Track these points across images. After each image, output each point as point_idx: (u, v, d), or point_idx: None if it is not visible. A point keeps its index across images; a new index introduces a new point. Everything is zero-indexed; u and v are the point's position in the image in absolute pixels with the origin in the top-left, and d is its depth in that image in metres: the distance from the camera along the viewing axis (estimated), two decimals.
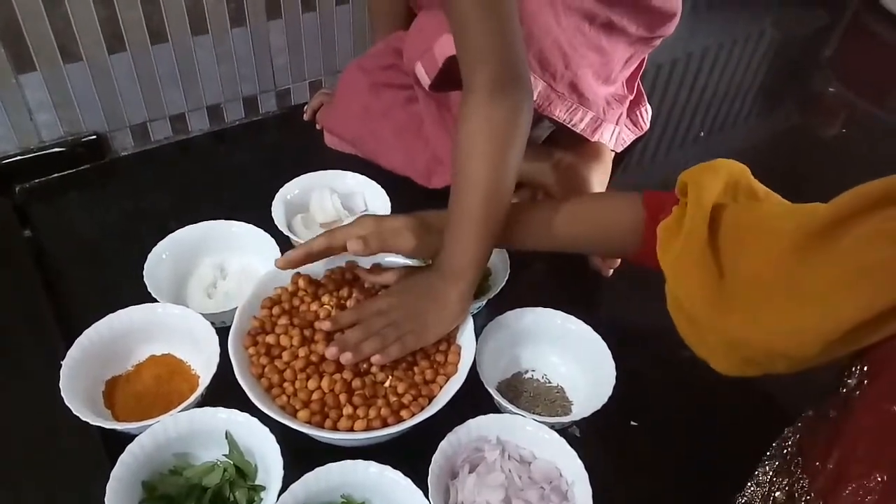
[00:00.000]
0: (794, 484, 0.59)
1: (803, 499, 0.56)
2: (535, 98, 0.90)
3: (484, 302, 0.88)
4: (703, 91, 1.44)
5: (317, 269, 0.83)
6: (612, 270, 0.96)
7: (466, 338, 0.78)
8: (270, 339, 0.75)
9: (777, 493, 0.62)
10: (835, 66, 1.62)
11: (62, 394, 0.71)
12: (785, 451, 0.64)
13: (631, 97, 1.09)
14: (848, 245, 0.56)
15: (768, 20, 1.73)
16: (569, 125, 0.96)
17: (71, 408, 0.70)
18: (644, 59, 1.09)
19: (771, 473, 0.64)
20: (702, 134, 1.32)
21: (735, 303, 0.63)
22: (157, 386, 0.79)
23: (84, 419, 0.70)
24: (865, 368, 0.55)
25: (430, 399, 0.74)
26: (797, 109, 1.47)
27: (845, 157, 1.30)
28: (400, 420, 0.71)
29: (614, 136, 1.03)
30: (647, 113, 1.19)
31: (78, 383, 0.74)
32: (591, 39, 0.92)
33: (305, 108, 1.22)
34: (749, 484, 0.66)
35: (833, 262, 0.56)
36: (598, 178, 1.01)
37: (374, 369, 0.74)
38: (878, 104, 1.53)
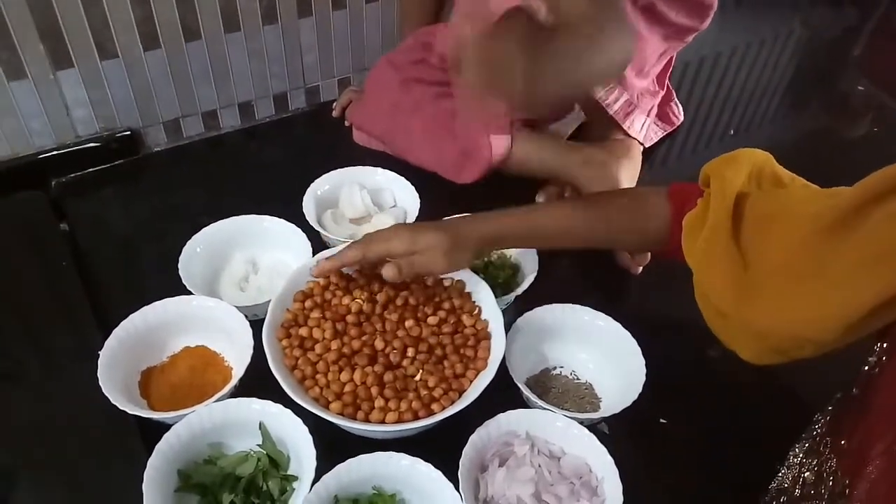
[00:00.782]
0: (823, 464, 0.59)
1: (831, 478, 0.57)
2: None
3: (512, 298, 0.88)
4: (731, 89, 1.43)
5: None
6: (640, 268, 0.96)
7: (496, 333, 0.78)
8: (303, 331, 0.76)
9: (807, 474, 0.62)
10: (863, 65, 1.61)
11: (100, 383, 0.72)
12: (815, 432, 0.64)
13: (662, 93, 1.09)
14: (870, 228, 0.56)
15: (797, 19, 1.71)
16: (604, 104, 0.95)
17: (109, 397, 0.72)
18: (673, 56, 1.09)
19: (801, 455, 0.64)
20: (731, 133, 1.31)
21: (760, 292, 0.64)
22: (192, 377, 0.80)
23: (122, 408, 0.71)
24: (885, 346, 0.56)
25: (461, 393, 0.74)
26: (826, 109, 1.46)
27: (874, 155, 1.28)
28: (431, 413, 0.72)
29: (645, 126, 1.03)
30: (678, 108, 1.19)
31: (115, 373, 0.76)
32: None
33: (334, 104, 1.23)
34: (780, 468, 0.66)
35: (854, 245, 0.57)
36: (628, 175, 1.00)
37: (405, 363, 0.75)
38: None
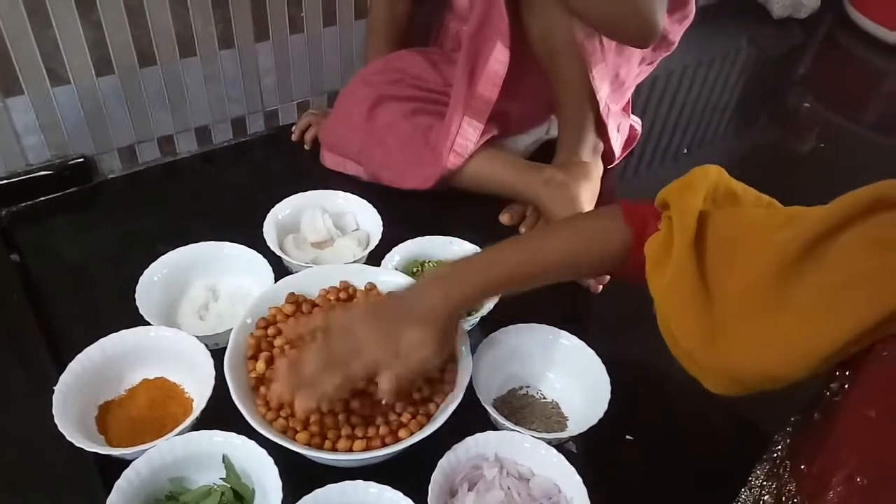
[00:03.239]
0: (783, 487, 0.59)
1: (790, 502, 0.57)
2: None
3: (477, 319, 0.89)
4: (683, 107, 1.47)
5: (311, 288, 0.84)
6: (601, 287, 0.97)
7: (463, 355, 0.78)
8: (265, 360, 0.75)
9: (766, 497, 0.62)
10: (809, 82, 1.67)
11: (56, 420, 0.70)
12: (775, 454, 0.64)
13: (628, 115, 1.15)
14: (837, 255, 0.55)
15: (744, 38, 1.77)
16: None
17: (65, 434, 0.69)
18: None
19: (762, 477, 0.65)
20: (685, 151, 1.34)
21: (726, 332, 0.62)
22: (151, 410, 0.78)
23: (79, 445, 0.69)
24: (847, 373, 0.55)
25: (429, 417, 0.74)
26: (774, 125, 1.51)
27: (822, 170, 1.33)
28: (398, 439, 0.71)
29: (620, 133, 1.10)
30: (637, 122, 1.23)
31: (71, 409, 0.73)
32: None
33: (293, 128, 1.23)
34: (742, 489, 0.67)
35: (822, 275, 0.55)
36: (587, 196, 1.02)
37: (371, 388, 0.74)
38: (852, 118, 1.57)
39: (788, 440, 0.64)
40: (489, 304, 0.89)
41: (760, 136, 1.47)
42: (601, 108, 1.03)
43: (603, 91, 1.01)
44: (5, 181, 1.04)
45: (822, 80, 1.68)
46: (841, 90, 1.65)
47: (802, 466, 0.57)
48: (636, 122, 1.23)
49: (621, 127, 1.15)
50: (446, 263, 0.75)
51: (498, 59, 0.96)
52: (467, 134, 1.01)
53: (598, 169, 1.07)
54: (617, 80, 1.05)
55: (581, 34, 0.95)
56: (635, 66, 1.07)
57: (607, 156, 1.14)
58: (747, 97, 1.56)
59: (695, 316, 0.64)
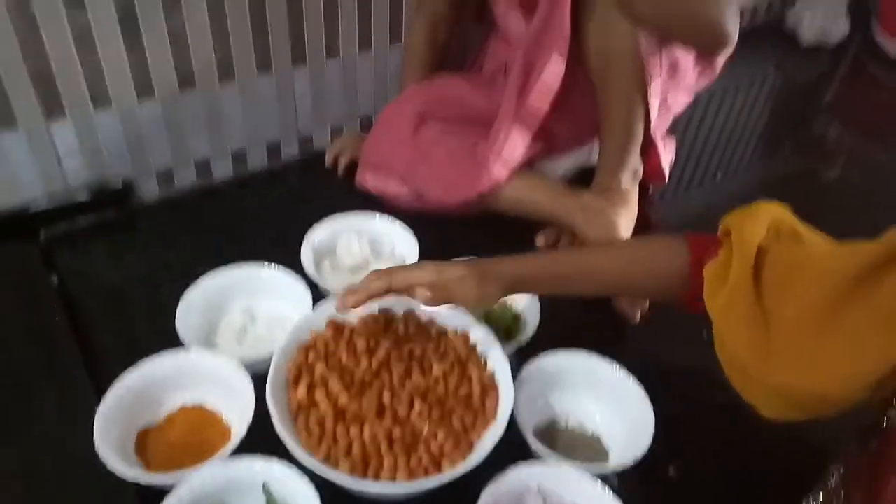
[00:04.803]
0: None
1: None
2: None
3: (515, 347, 0.88)
4: (710, 133, 1.47)
5: (350, 313, 0.83)
6: (639, 316, 0.96)
7: (504, 383, 0.77)
8: (308, 385, 0.75)
9: None
10: (837, 108, 1.66)
11: (97, 447, 0.70)
12: (829, 484, 0.63)
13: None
14: (892, 283, 0.56)
15: (772, 65, 1.76)
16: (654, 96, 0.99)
17: (106, 462, 0.69)
18: None
19: None
20: (717, 177, 1.33)
21: (781, 352, 0.63)
22: (191, 436, 0.77)
23: (120, 474, 0.69)
24: None
25: (470, 446, 0.73)
26: (800, 151, 1.50)
27: (848, 197, 1.32)
28: (441, 469, 0.70)
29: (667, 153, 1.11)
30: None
31: (111, 435, 0.73)
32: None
33: (327, 153, 1.23)
34: None
35: (875, 302, 0.57)
36: (625, 222, 1.01)
37: (413, 417, 0.74)
38: (880, 145, 1.56)
39: (842, 469, 0.63)
40: (528, 331, 0.88)
41: (787, 162, 1.46)
42: (652, 126, 1.02)
43: (655, 108, 1.00)
44: (46, 203, 1.05)
45: (850, 107, 1.67)
46: (868, 117, 1.64)
47: (857, 494, 0.56)
48: (672, 146, 1.22)
49: (667, 147, 1.15)
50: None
51: (552, 72, 0.96)
52: (515, 143, 1.01)
53: (635, 195, 1.07)
54: (665, 104, 1.05)
55: (645, 47, 0.93)
56: (682, 93, 1.07)
57: (657, 176, 1.14)
58: (775, 123, 1.55)
59: (749, 331, 0.65)
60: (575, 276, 0.78)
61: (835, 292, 0.60)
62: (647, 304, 0.96)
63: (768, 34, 1.85)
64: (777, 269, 0.66)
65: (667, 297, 0.81)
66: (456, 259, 0.80)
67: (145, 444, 0.77)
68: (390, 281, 0.74)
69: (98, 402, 0.74)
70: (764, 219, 0.69)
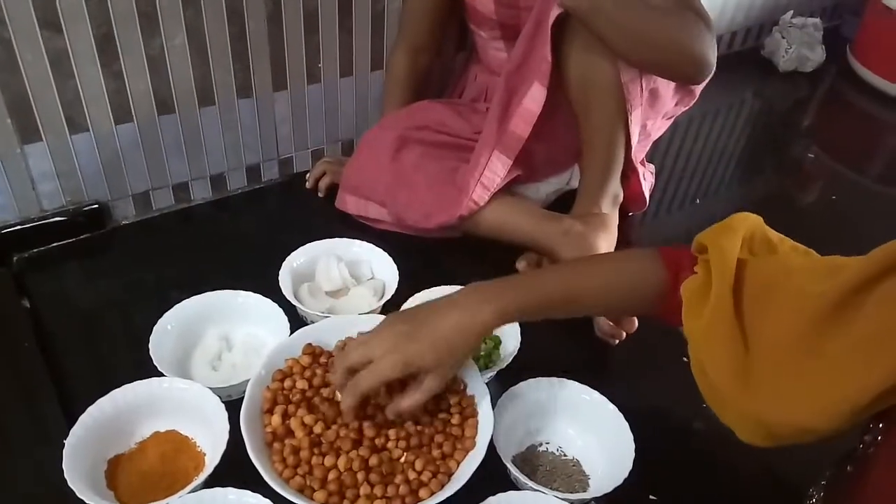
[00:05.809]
0: None
1: None
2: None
3: (494, 372, 0.87)
4: (689, 158, 1.48)
5: (328, 339, 0.82)
6: (617, 341, 0.96)
7: (483, 410, 0.77)
8: (282, 413, 0.73)
9: None
10: (814, 134, 1.68)
11: (66, 476, 0.68)
12: None
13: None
14: (871, 307, 0.55)
15: (750, 91, 1.79)
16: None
17: (75, 490, 0.67)
18: None
19: None
20: (697, 201, 1.34)
21: (760, 379, 0.62)
22: (163, 464, 0.76)
23: (89, 503, 0.67)
24: (881, 425, 0.55)
25: (449, 475, 0.72)
26: (779, 176, 1.52)
27: (826, 220, 1.33)
28: (419, 499, 0.69)
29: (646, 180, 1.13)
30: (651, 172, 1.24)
31: (80, 463, 0.71)
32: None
33: (308, 176, 1.23)
34: None
35: (858, 326, 0.55)
36: (605, 247, 1.01)
37: (389, 444, 0.73)
38: (856, 169, 1.58)
39: (822, 493, 0.63)
40: (507, 357, 0.88)
41: (766, 185, 1.48)
42: (632, 153, 1.03)
43: (636, 136, 1.01)
44: (19, 227, 1.03)
45: (827, 132, 1.70)
46: (845, 142, 1.67)
47: None
48: (651, 172, 1.23)
49: (646, 175, 1.17)
50: (485, 282, 0.75)
51: (534, 99, 0.96)
52: (496, 168, 1.02)
53: (615, 220, 1.07)
54: (644, 131, 1.06)
55: (626, 76, 0.95)
56: (660, 120, 1.08)
57: (637, 201, 1.15)
58: (753, 148, 1.57)
59: (730, 358, 0.64)
60: (560, 301, 0.74)
61: (814, 317, 0.58)
62: (636, 324, 0.94)
63: (746, 60, 1.88)
64: (756, 286, 0.65)
65: (639, 312, 0.81)
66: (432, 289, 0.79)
67: (116, 473, 0.75)
68: (357, 390, 0.70)
69: (69, 429, 0.73)
70: (739, 230, 0.68)
